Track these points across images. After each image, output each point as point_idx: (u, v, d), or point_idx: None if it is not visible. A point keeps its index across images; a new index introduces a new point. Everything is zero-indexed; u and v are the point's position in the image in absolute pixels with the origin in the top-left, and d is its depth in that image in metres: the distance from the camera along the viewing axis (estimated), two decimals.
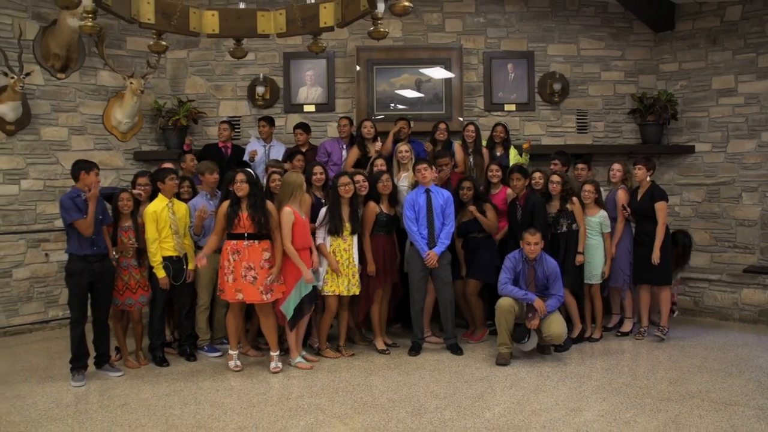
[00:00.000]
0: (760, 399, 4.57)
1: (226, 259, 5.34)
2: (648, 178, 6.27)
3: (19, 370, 5.55)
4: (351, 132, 6.98)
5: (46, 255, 7.04)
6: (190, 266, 5.69)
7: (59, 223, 6.20)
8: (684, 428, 4.07)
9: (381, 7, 3.92)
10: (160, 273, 5.50)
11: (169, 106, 7.65)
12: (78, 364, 5.14)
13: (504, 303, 5.51)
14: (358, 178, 5.89)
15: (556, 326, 5.50)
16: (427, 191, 5.84)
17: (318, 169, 6.07)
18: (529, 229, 5.59)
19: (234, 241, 5.33)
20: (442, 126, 6.77)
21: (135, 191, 5.70)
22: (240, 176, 5.33)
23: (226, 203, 5.39)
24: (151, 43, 4.27)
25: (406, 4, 3.64)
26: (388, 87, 7.79)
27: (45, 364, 5.72)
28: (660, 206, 6.13)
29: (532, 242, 5.48)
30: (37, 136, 6.99)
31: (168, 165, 6.04)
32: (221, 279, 5.39)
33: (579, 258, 6.07)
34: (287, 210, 5.42)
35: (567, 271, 5.98)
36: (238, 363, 5.46)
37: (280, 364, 5.38)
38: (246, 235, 5.29)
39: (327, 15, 4.26)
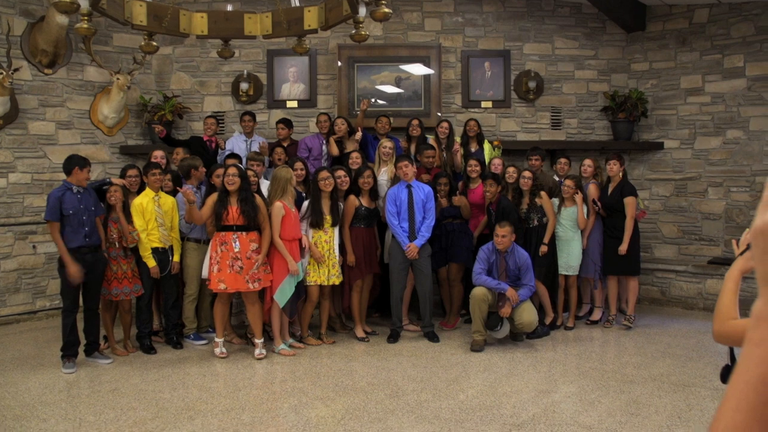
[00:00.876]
0: (715, 381, 4.88)
1: (214, 250, 5.56)
2: (620, 174, 6.58)
3: (10, 358, 5.71)
4: (330, 127, 7.21)
5: (34, 247, 7.19)
6: (176, 258, 5.90)
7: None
8: (644, 407, 4.37)
9: (362, 12, 4.16)
10: (150, 262, 5.71)
11: (155, 101, 7.82)
12: (69, 352, 5.32)
13: (477, 292, 5.78)
14: (339, 173, 6.12)
15: (528, 315, 5.78)
16: (409, 186, 6.09)
17: (299, 164, 6.30)
18: (500, 222, 5.86)
19: (222, 233, 5.55)
20: (415, 122, 7.08)
21: (124, 180, 5.88)
22: (232, 170, 5.56)
23: (215, 195, 5.60)
24: (143, 43, 4.46)
25: (386, 10, 3.88)
26: (368, 84, 8.01)
27: (35, 352, 5.89)
28: (629, 201, 6.44)
29: (500, 234, 5.76)
30: (25, 131, 7.13)
31: (158, 152, 6.24)
32: (210, 270, 5.61)
33: (542, 249, 6.36)
34: (278, 204, 5.68)
35: (539, 263, 6.28)
36: (224, 350, 5.68)
37: (264, 351, 5.61)
38: (234, 227, 5.52)
39: (311, 18, 4.49)
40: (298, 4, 4.60)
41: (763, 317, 0.62)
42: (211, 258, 5.59)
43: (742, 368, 0.61)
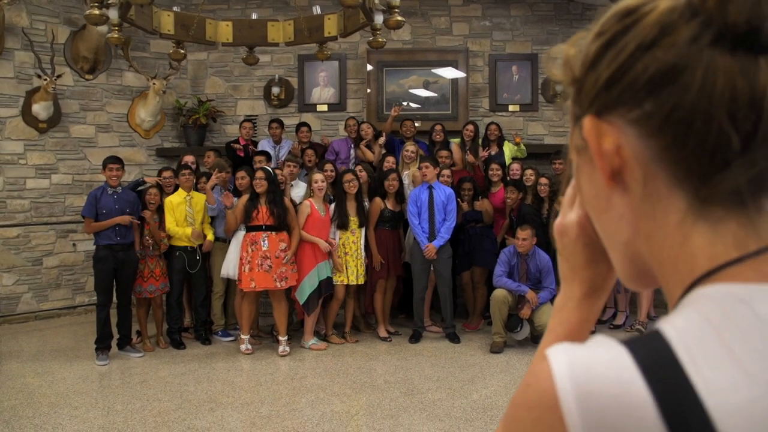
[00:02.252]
0: None
1: (245, 250, 5.77)
2: None
3: (49, 350, 6.01)
4: (358, 132, 7.37)
5: (74, 245, 7.52)
6: (209, 237, 6.16)
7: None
8: None
9: (378, 20, 4.29)
10: (209, 235, 6.14)
11: (190, 105, 8.08)
12: (102, 345, 5.59)
13: (498, 294, 5.86)
14: (358, 168, 6.31)
15: (547, 316, 5.81)
16: (430, 188, 6.20)
17: (328, 166, 6.49)
18: (522, 225, 5.93)
19: (252, 233, 5.77)
20: (438, 128, 7.23)
21: (157, 179, 6.17)
22: (259, 173, 5.77)
23: (245, 197, 5.82)
24: (171, 51, 4.67)
25: (399, 18, 4.01)
26: (397, 88, 8.14)
27: (72, 345, 6.18)
28: None
29: (521, 237, 5.82)
30: (67, 134, 7.47)
31: (189, 157, 6.48)
32: (240, 270, 5.81)
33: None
34: (305, 203, 5.96)
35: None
36: (249, 346, 5.87)
37: (287, 348, 5.78)
38: (264, 227, 5.73)
39: (331, 25, 4.64)
40: (319, 12, 4.77)
41: (556, 309, 0.72)
42: (242, 258, 5.79)
43: (537, 353, 0.72)
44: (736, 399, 0.44)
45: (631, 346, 0.48)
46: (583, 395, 0.46)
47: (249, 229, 5.81)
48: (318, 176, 6.08)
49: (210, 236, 6.13)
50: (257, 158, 6.61)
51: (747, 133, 0.49)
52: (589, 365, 0.47)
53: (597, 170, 0.57)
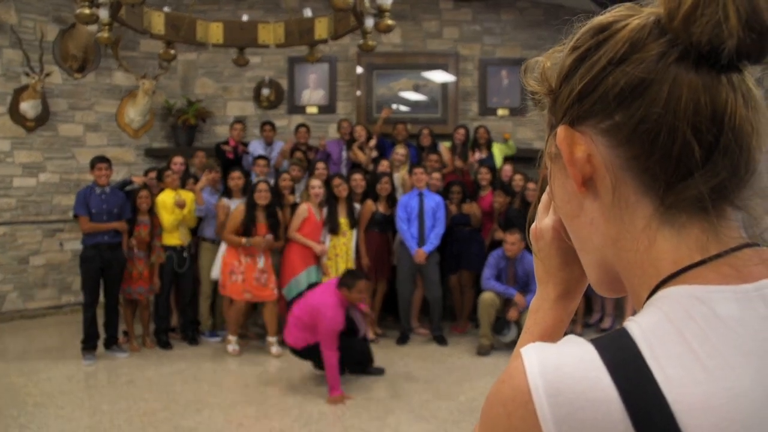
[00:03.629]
0: None
1: (236, 259, 5.76)
2: None
3: (35, 349, 5.99)
4: (351, 134, 7.39)
5: (61, 244, 7.48)
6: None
7: (74, 214, 6.64)
8: None
9: (368, 23, 4.31)
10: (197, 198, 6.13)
11: (179, 105, 8.07)
12: (89, 345, 5.57)
13: (486, 297, 5.89)
14: (356, 176, 6.33)
15: None
16: (420, 195, 6.24)
17: (320, 164, 6.56)
18: (510, 229, 5.97)
19: (250, 248, 5.79)
20: (426, 131, 7.29)
21: (144, 178, 6.20)
22: (263, 185, 5.76)
23: (241, 207, 5.79)
24: (161, 51, 4.68)
25: (389, 22, 4.04)
26: (387, 91, 8.16)
27: (58, 344, 6.15)
28: None
29: (509, 242, 5.86)
30: (55, 132, 7.43)
31: (178, 158, 6.48)
32: (224, 276, 5.80)
33: None
34: (303, 206, 5.99)
35: None
36: (236, 347, 5.87)
37: (281, 348, 5.75)
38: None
39: (321, 28, 4.66)
40: (310, 14, 4.78)
41: (532, 310, 0.75)
42: (230, 266, 5.77)
43: (513, 353, 0.75)
44: (695, 393, 0.47)
45: (599, 344, 0.51)
46: (553, 391, 0.49)
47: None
48: (315, 182, 6.11)
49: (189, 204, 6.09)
50: (259, 161, 6.60)
51: (709, 145, 0.53)
52: (559, 363, 0.50)
53: (569, 177, 0.60)
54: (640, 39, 0.55)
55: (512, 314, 5.83)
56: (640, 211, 0.57)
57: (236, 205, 5.87)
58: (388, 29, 4.06)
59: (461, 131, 7.32)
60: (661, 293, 0.54)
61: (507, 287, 5.89)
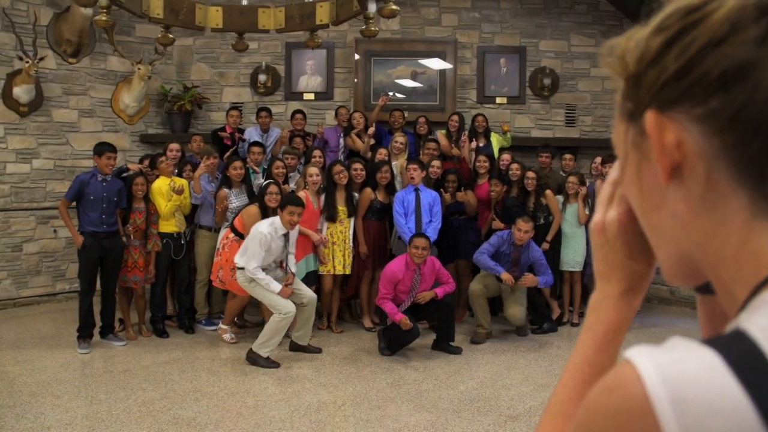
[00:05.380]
0: None
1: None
2: None
3: (29, 337, 5.92)
4: (349, 121, 7.33)
5: (55, 231, 7.40)
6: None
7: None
8: None
9: (372, 8, 4.25)
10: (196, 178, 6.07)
11: (175, 91, 7.98)
12: (84, 333, 5.51)
13: (474, 289, 5.90)
14: (357, 166, 6.27)
15: (515, 309, 5.85)
16: (416, 190, 6.20)
17: (317, 152, 6.51)
18: (523, 216, 5.92)
19: None
20: (422, 120, 7.26)
21: (140, 165, 6.10)
22: (274, 188, 5.69)
23: (255, 211, 5.67)
24: (159, 35, 4.60)
25: (394, 7, 3.98)
26: (385, 78, 8.10)
27: (53, 332, 6.09)
28: None
29: (523, 230, 5.77)
30: (49, 118, 7.33)
31: (174, 145, 6.40)
32: (226, 271, 5.72)
33: (544, 246, 6.41)
34: (301, 194, 5.92)
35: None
36: (233, 335, 5.83)
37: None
38: None
39: (323, 13, 4.59)
40: None
41: (593, 307, 0.71)
42: (234, 263, 5.71)
43: (574, 350, 0.71)
44: None
45: (718, 347, 0.46)
46: (677, 400, 0.45)
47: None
48: (313, 170, 6.06)
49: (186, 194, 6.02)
50: (254, 149, 6.55)
51: None
52: (681, 369, 0.46)
53: (652, 166, 0.57)
54: (740, 19, 0.51)
55: (507, 278, 5.77)
56: (734, 203, 0.52)
57: (249, 207, 5.76)
58: (393, 15, 4.01)
59: (455, 118, 7.28)
60: None
61: (496, 264, 5.83)
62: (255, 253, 5.11)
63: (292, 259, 5.52)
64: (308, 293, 5.49)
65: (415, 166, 6.21)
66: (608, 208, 0.69)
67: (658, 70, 0.54)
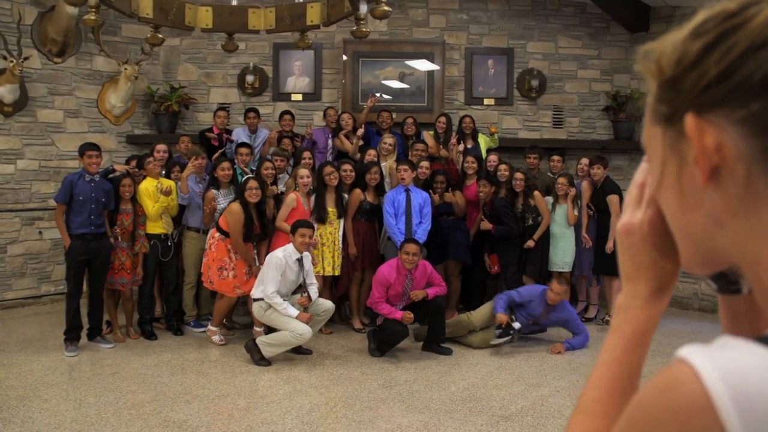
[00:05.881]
0: None
1: (227, 256, 5.68)
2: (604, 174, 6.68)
3: (15, 341, 5.84)
4: (337, 122, 7.31)
5: (40, 233, 7.32)
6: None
7: (53, 203, 6.48)
8: None
9: (363, 9, 4.24)
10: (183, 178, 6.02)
11: (162, 91, 7.92)
12: (72, 336, 5.45)
13: (463, 320, 5.90)
14: (346, 167, 6.26)
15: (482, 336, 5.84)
16: (407, 191, 6.20)
17: (306, 153, 6.50)
18: (560, 279, 5.89)
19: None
20: (410, 121, 7.28)
21: (126, 167, 6.05)
22: (253, 183, 5.67)
23: (238, 209, 5.65)
24: (149, 35, 4.56)
25: (386, 8, 3.97)
26: (372, 79, 8.09)
27: (39, 335, 6.01)
28: (612, 199, 6.51)
29: (555, 290, 5.59)
30: (34, 118, 7.24)
31: (161, 146, 6.35)
32: (213, 271, 5.70)
33: (529, 243, 6.43)
34: (292, 196, 5.96)
35: (533, 261, 6.41)
36: (222, 337, 5.80)
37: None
38: (255, 238, 5.86)
39: (314, 14, 4.57)
40: None
41: (620, 308, 0.72)
42: (220, 262, 5.69)
43: (603, 351, 0.71)
44: None
45: None
46: (740, 397, 0.45)
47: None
48: (303, 171, 6.05)
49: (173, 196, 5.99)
50: (241, 150, 6.52)
51: None
52: (739, 367, 0.46)
53: (689, 168, 0.57)
54: None
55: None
56: None
57: (231, 205, 5.73)
58: (385, 15, 4.00)
59: (443, 119, 7.30)
60: None
61: (504, 309, 5.73)
62: (271, 277, 5.15)
63: (314, 290, 5.47)
64: (327, 304, 5.54)
65: (406, 166, 6.22)
66: (636, 210, 0.70)
67: (698, 74, 0.55)
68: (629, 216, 0.71)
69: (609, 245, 6.50)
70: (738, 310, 0.75)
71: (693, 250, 0.62)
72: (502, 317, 5.57)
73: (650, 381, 0.52)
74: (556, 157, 7.24)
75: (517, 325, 5.62)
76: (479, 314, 5.85)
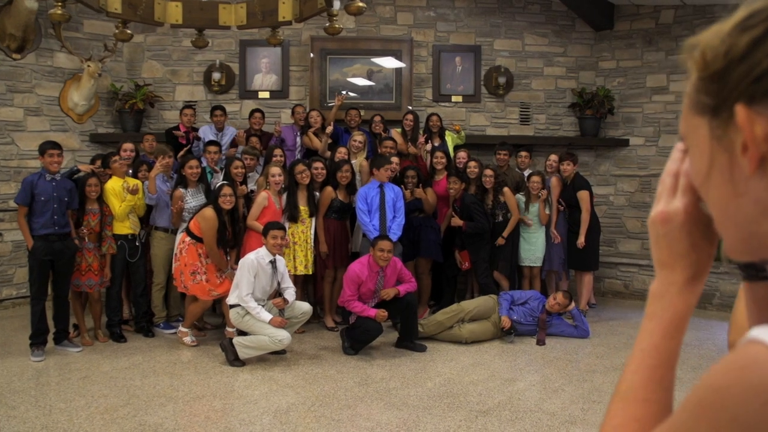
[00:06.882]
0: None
1: (197, 260, 5.58)
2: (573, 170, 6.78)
3: None
4: (306, 120, 7.26)
5: (1, 235, 7.11)
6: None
7: (14, 204, 6.30)
8: (606, 395, 4.52)
9: (336, 5, 4.22)
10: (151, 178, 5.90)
11: (126, 89, 7.76)
12: (38, 340, 5.29)
13: (437, 320, 5.96)
14: (317, 165, 6.23)
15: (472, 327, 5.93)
16: (381, 186, 6.19)
17: (278, 151, 6.47)
18: (564, 292, 6.10)
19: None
20: (377, 118, 7.30)
21: (92, 167, 5.92)
22: (228, 189, 5.60)
23: (212, 214, 5.57)
24: (117, 31, 4.46)
25: (360, 5, 3.95)
26: (340, 76, 8.06)
27: (2, 340, 5.83)
28: (582, 195, 6.61)
29: (557, 300, 5.97)
30: None
31: (128, 145, 6.22)
32: (186, 276, 5.60)
33: (499, 240, 6.51)
34: (263, 194, 5.91)
35: (503, 257, 6.47)
36: (194, 338, 5.71)
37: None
38: (228, 244, 5.79)
39: (285, 10, 4.53)
40: None
41: (655, 295, 0.73)
42: (191, 266, 5.59)
43: (640, 338, 0.73)
44: None
45: None
46: None
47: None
48: (275, 170, 5.99)
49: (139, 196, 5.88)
50: (210, 148, 6.46)
51: None
52: None
53: (735, 157, 0.60)
54: None
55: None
56: None
57: (204, 210, 5.64)
58: (359, 11, 3.99)
59: (410, 117, 7.31)
60: None
61: (510, 313, 5.91)
62: (245, 280, 5.11)
63: (291, 293, 5.43)
64: (304, 307, 5.52)
65: (393, 165, 6.29)
66: (671, 199, 0.71)
67: (747, 67, 0.57)
68: (665, 204, 0.72)
69: (580, 240, 6.60)
70: (765, 297, 0.76)
71: (740, 237, 0.63)
72: (506, 321, 5.80)
73: (718, 364, 0.53)
74: (524, 153, 7.31)
75: (514, 317, 5.88)
76: (472, 303, 5.98)
